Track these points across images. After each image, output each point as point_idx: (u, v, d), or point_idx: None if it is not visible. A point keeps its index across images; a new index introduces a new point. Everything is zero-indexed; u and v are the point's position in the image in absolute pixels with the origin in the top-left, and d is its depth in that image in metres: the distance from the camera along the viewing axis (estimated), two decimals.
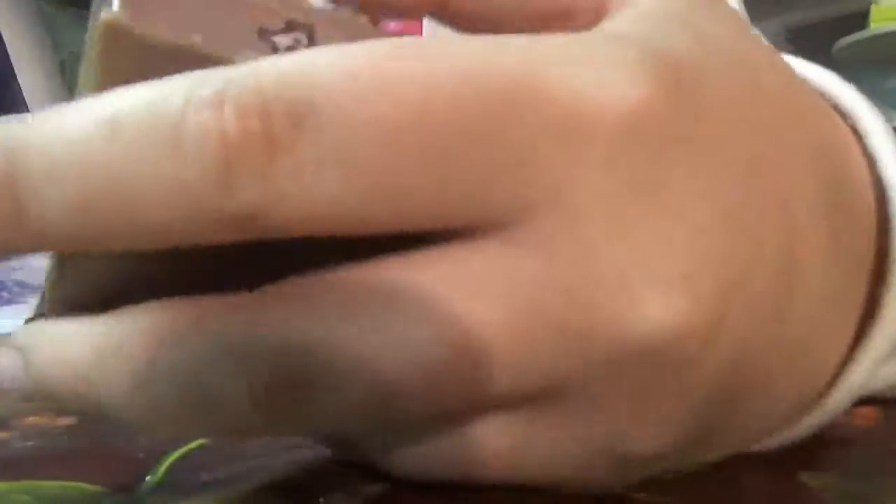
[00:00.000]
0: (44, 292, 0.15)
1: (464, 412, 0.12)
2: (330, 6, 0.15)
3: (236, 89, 0.10)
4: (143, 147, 0.10)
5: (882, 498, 0.16)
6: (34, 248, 0.11)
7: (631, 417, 0.12)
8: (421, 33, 0.62)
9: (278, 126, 0.10)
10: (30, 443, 0.22)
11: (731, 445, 0.16)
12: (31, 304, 0.58)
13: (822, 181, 0.15)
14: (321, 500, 0.17)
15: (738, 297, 0.12)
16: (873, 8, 1.16)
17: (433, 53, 0.11)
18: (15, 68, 0.57)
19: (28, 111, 0.57)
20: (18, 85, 0.57)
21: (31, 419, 0.24)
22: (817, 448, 0.19)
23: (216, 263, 0.12)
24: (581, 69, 0.11)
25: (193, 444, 0.21)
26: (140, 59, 0.12)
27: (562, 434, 0.13)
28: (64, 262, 0.14)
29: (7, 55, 0.57)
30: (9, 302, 0.59)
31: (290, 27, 0.13)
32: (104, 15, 0.11)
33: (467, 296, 0.11)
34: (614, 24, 0.15)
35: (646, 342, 0.11)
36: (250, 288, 0.12)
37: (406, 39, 0.11)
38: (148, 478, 0.19)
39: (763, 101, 0.14)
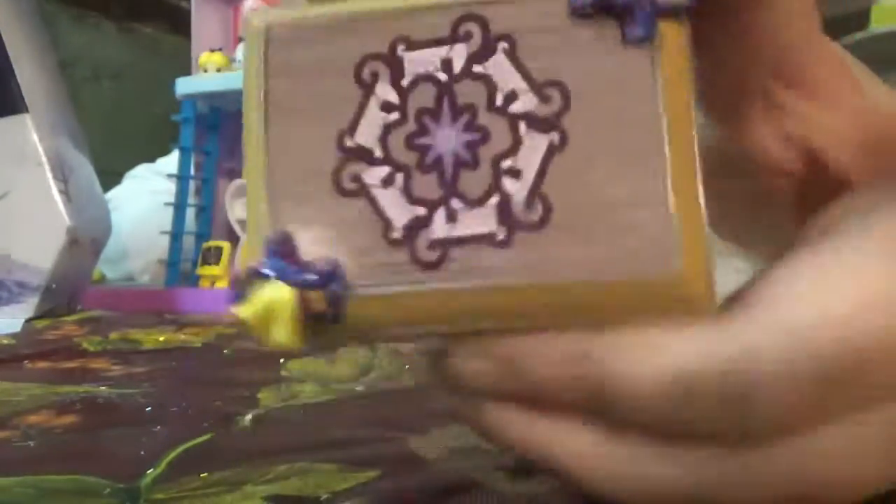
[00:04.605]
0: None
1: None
2: None
3: None
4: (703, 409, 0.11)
5: None
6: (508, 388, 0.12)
7: None
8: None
9: None
10: (31, 442, 0.22)
11: None
12: (31, 303, 0.58)
13: None
14: (323, 497, 0.17)
15: None
16: (874, 8, 1.16)
17: None
18: (15, 68, 0.57)
19: (28, 111, 0.57)
20: (18, 85, 0.57)
21: (33, 418, 0.24)
22: None
23: None
24: None
25: (195, 441, 0.21)
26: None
27: None
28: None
29: (7, 55, 0.57)
30: (8, 302, 0.59)
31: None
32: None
33: None
34: None
35: None
36: None
37: None
38: (149, 471, 0.19)
39: None
